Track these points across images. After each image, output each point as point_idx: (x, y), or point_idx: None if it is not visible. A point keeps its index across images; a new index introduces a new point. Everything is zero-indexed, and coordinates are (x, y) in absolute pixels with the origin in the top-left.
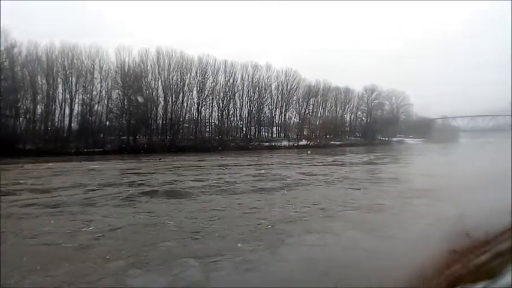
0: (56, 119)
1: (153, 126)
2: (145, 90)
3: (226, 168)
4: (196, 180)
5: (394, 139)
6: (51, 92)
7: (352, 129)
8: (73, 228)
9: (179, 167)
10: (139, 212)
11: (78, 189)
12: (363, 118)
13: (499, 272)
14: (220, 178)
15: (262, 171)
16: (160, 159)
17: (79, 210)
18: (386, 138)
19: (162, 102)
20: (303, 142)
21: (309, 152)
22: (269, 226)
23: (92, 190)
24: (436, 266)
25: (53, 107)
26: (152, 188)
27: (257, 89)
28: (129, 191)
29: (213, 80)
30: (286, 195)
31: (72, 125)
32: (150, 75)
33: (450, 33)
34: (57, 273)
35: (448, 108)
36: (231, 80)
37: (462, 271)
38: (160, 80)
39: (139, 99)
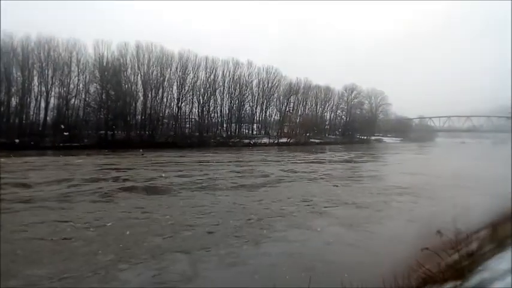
0: (31, 112)
1: (132, 122)
2: (124, 85)
3: (208, 165)
4: (181, 176)
5: (373, 138)
6: (26, 85)
7: (331, 128)
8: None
9: (162, 163)
10: (125, 208)
11: (62, 184)
12: (343, 117)
13: (469, 272)
14: (205, 174)
15: (246, 168)
16: (142, 154)
17: (66, 205)
18: (365, 137)
19: (142, 97)
20: (283, 139)
21: (289, 149)
22: (258, 221)
23: (76, 185)
24: (408, 263)
25: (28, 100)
26: (136, 184)
27: (238, 85)
28: (113, 186)
29: (194, 76)
30: (272, 191)
31: (48, 118)
32: (129, 70)
33: (427, 34)
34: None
35: (425, 108)
36: (212, 76)
37: (433, 270)
38: (139, 75)
39: (118, 93)
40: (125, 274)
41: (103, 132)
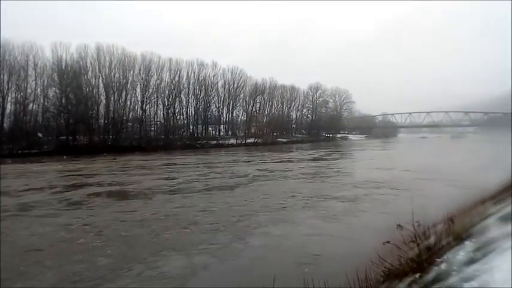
0: None
1: (95, 126)
2: (85, 88)
3: (179, 168)
4: (166, 179)
5: (338, 136)
6: None
7: (298, 127)
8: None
9: (134, 167)
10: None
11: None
12: (308, 115)
13: (428, 265)
14: (187, 177)
15: (219, 169)
16: (114, 159)
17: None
18: (331, 135)
19: (104, 101)
20: (251, 140)
21: (257, 148)
22: (248, 218)
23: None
24: (373, 256)
25: None
26: (107, 189)
27: (203, 87)
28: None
29: (158, 78)
30: (255, 189)
31: (5, 125)
32: (90, 73)
33: (393, 35)
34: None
35: (387, 105)
36: (177, 78)
37: (394, 263)
38: (101, 78)
39: (79, 97)
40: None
41: (64, 137)
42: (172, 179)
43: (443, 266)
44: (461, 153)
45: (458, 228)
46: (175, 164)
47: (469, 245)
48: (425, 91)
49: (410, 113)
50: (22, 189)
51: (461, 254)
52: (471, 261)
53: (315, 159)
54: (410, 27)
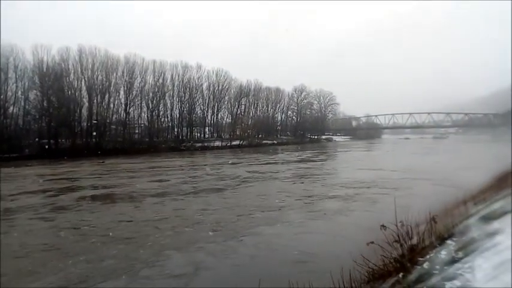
0: None
1: (77, 129)
2: (67, 91)
3: (166, 170)
4: (154, 181)
5: (323, 137)
6: None
7: (283, 128)
8: None
9: (125, 171)
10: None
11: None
12: (293, 117)
13: (411, 266)
14: (179, 179)
15: (210, 171)
16: (103, 161)
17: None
18: (316, 137)
19: (87, 103)
20: (236, 142)
21: (241, 151)
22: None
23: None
24: (356, 256)
25: None
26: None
27: (188, 89)
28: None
29: (141, 80)
30: (249, 190)
31: None
32: (72, 75)
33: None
34: None
35: (371, 107)
36: (161, 80)
37: (378, 263)
38: (83, 80)
39: (61, 100)
40: None
41: (46, 141)
42: (162, 181)
43: (426, 266)
44: (444, 154)
45: (440, 228)
46: (160, 167)
47: (451, 245)
48: (407, 92)
49: (393, 114)
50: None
51: (443, 253)
52: (453, 261)
53: (302, 161)
54: (395, 30)
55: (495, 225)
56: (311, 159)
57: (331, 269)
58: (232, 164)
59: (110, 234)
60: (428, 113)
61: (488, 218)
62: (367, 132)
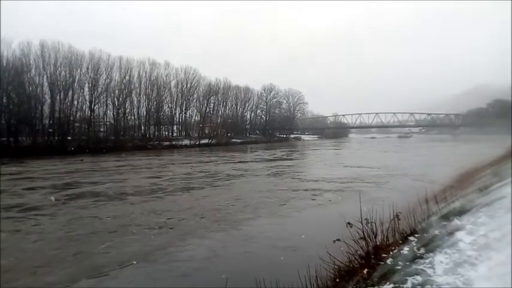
0: None
1: (38, 126)
2: (28, 87)
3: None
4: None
5: (292, 136)
6: None
7: (252, 127)
8: None
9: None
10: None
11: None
12: (262, 116)
13: (376, 262)
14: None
15: (190, 169)
16: (82, 160)
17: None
18: (284, 136)
19: (49, 100)
20: (205, 141)
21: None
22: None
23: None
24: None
25: None
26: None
27: (155, 86)
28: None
29: (107, 77)
30: (237, 186)
31: None
32: (33, 70)
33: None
34: None
35: (338, 106)
36: (127, 77)
37: (344, 261)
38: (45, 76)
39: (21, 96)
40: None
41: (4, 139)
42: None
43: (389, 262)
44: (411, 151)
45: (403, 226)
46: (137, 166)
47: (413, 242)
48: (373, 92)
49: (360, 114)
50: None
51: (405, 250)
52: (415, 257)
53: (279, 159)
54: (362, 28)
55: (455, 222)
56: (285, 157)
57: None
58: (208, 162)
59: None
60: (394, 113)
61: (447, 216)
62: (334, 131)
